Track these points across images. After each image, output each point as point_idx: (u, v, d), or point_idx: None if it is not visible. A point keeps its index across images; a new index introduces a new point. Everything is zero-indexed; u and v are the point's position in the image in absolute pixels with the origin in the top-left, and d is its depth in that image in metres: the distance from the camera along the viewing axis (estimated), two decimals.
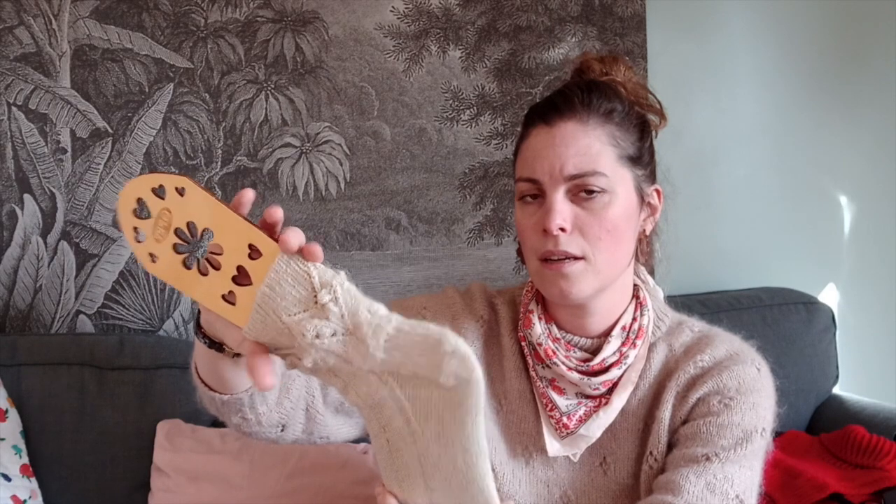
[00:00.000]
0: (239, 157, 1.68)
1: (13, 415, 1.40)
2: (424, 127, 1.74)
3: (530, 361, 0.90)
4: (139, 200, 0.59)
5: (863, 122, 1.97)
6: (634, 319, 0.90)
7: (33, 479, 1.40)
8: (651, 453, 0.86)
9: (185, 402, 1.47)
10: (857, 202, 2.00)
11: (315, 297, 0.57)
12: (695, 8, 1.88)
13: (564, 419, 0.87)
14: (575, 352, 0.88)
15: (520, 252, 0.96)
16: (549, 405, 0.88)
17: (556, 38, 1.80)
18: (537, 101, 0.93)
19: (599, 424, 0.86)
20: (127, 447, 1.43)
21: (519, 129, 0.93)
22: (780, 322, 1.72)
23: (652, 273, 1.01)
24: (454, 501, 0.61)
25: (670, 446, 0.86)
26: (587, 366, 0.86)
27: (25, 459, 1.39)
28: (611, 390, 0.87)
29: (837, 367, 1.78)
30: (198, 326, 0.68)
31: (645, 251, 0.93)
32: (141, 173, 1.65)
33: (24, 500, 1.35)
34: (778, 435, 1.60)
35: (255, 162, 1.69)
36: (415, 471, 0.62)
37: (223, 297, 0.59)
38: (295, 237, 0.56)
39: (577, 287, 0.83)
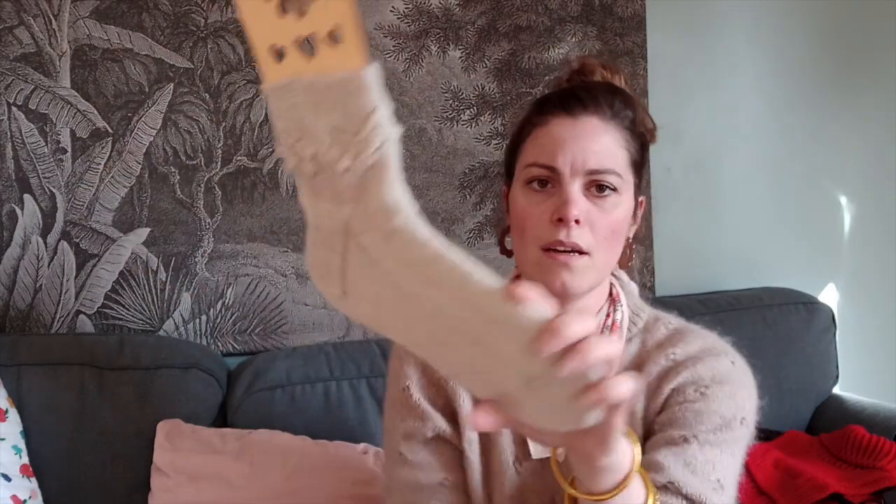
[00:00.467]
0: (239, 157, 1.68)
1: (13, 415, 1.40)
2: (424, 127, 1.74)
3: None
4: None
5: (863, 123, 1.98)
6: (608, 316, 0.89)
7: (33, 479, 1.40)
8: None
9: (185, 402, 1.47)
10: (857, 202, 2.00)
11: (361, 127, 0.53)
12: (695, 8, 1.88)
13: None
14: None
15: (501, 241, 0.96)
16: None
17: (556, 38, 1.80)
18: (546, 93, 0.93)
19: None
20: (127, 447, 1.43)
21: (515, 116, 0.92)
22: (780, 322, 1.72)
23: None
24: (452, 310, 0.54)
25: (647, 436, 0.86)
26: None
27: (25, 459, 1.39)
28: None
29: (837, 367, 1.78)
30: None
31: (627, 257, 0.91)
32: (141, 173, 1.65)
33: (24, 500, 1.35)
34: (778, 435, 1.61)
35: (255, 162, 1.69)
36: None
37: (271, 46, 0.54)
38: None
39: (579, 282, 0.82)
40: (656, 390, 0.86)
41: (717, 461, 0.80)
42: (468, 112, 1.76)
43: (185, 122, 1.66)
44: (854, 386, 1.85)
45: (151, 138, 1.65)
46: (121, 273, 1.65)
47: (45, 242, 1.62)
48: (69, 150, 1.63)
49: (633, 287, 0.95)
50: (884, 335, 1.99)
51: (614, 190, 0.83)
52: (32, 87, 1.61)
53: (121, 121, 1.64)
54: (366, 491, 1.35)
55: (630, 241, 0.91)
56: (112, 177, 1.64)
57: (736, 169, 1.93)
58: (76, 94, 1.62)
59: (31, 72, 1.60)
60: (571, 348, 0.50)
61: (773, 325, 1.71)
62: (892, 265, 1.99)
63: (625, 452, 0.63)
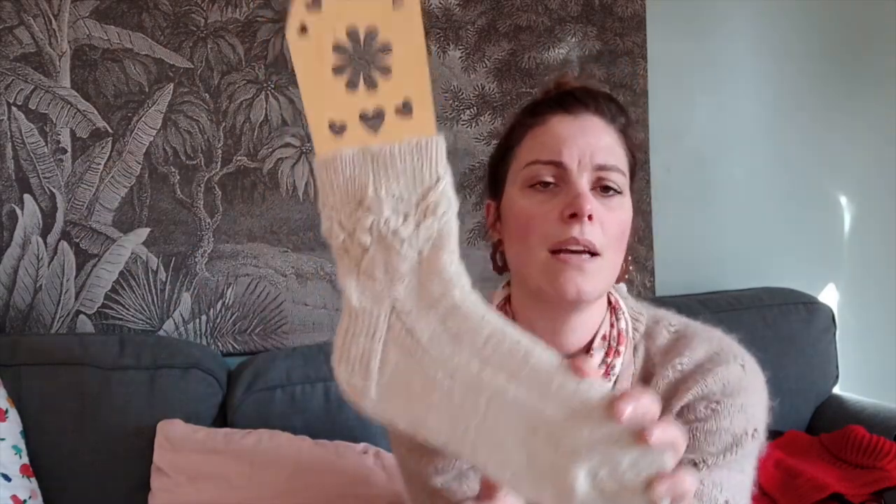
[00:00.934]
0: (239, 157, 1.68)
1: (13, 415, 1.40)
2: None
3: None
4: None
5: (863, 122, 1.97)
6: (612, 326, 0.84)
7: (33, 479, 1.40)
8: None
9: (185, 402, 1.47)
10: (857, 202, 2.00)
11: (425, 195, 0.51)
12: (695, 8, 1.88)
13: None
14: None
15: (493, 257, 0.89)
16: None
17: (556, 38, 1.80)
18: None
19: None
20: (127, 447, 1.43)
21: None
22: (780, 322, 1.72)
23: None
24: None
25: None
26: None
27: (25, 459, 1.39)
28: None
29: (837, 367, 1.78)
30: None
31: (624, 269, 0.87)
32: (141, 173, 1.65)
33: (24, 500, 1.35)
34: (778, 435, 1.61)
35: (255, 162, 1.69)
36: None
37: (331, 122, 0.52)
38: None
39: (592, 284, 0.77)
40: (665, 407, 0.80)
41: (726, 481, 0.76)
42: (468, 112, 1.76)
43: (185, 122, 1.66)
44: (854, 386, 1.85)
45: (151, 138, 1.65)
46: (121, 273, 1.65)
47: (45, 242, 1.62)
48: (69, 150, 1.63)
49: (622, 288, 0.91)
50: (884, 335, 1.99)
51: (619, 192, 0.80)
52: (32, 87, 1.61)
53: (121, 121, 1.64)
54: (366, 491, 1.35)
55: (625, 253, 0.86)
56: (112, 177, 1.64)
57: (736, 169, 1.93)
58: (76, 94, 1.62)
59: (31, 72, 1.60)
60: (649, 424, 0.48)
61: (773, 325, 1.71)
62: (892, 265, 1.99)
63: None
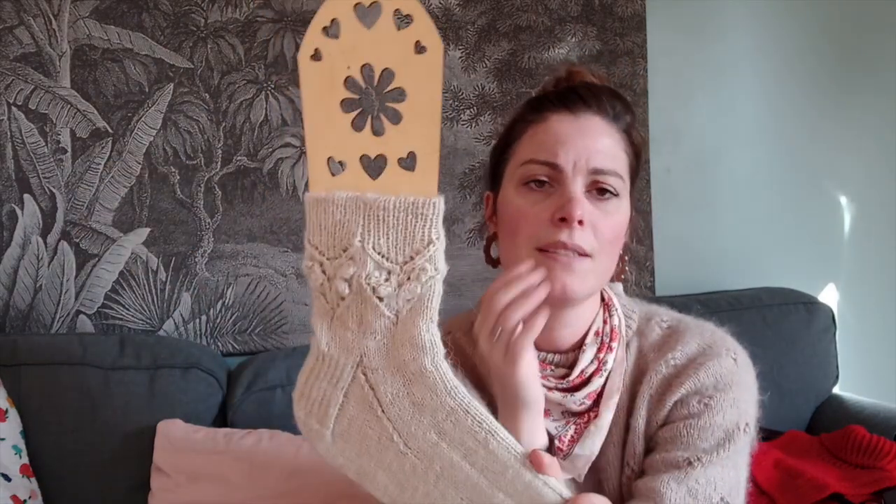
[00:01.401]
0: (239, 157, 1.68)
1: (13, 415, 1.40)
2: None
3: None
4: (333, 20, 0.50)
5: (863, 123, 1.97)
6: (605, 322, 0.85)
7: (33, 479, 1.40)
8: (628, 463, 0.82)
9: (185, 402, 1.47)
10: (857, 202, 2.00)
11: (413, 257, 0.50)
12: (695, 8, 1.88)
13: (556, 442, 0.80)
14: (551, 370, 0.83)
15: (486, 251, 0.90)
16: None
17: (556, 38, 1.80)
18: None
19: (594, 440, 0.81)
20: (127, 447, 1.43)
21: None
22: (780, 322, 1.72)
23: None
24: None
25: (648, 450, 0.82)
26: (567, 382, 0.81)
27: (25, 459, 1.40)
28: (597, 402, 0.82)
29: (837, 367, 1.78)
30: None
31: (620, 269, 0.87)
32: (141, 173, 1.65)
33: (24, 500, 1.35)
34: (778, 435, 1.61)
35: (255, 162, 1.69)
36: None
37: (330, 158, 0.50)
38: None
39: (581, 285, 0.77)
40: (659, 402, 0.82)
41: (720, 478, 0.77)
42: (468, 112, 1.76)
43: (185, 122, 1.66)
44: (854, 386, 1.85)
45: (151, 138, 1.65)
46: (121, 273, 1.65)
47: (45, 242, 1.62)
48: (69, 150, 1.63)
49: (617, 285, 0.90)
50: (884, 335, 1.99)
51: (616, 195, 0.79)
52: (32, 87, 1.61)
53: (121, 121, 1.64)
54: (365, 491, 1.35)
55: (622, 253, 0.86)
56: (112, 177, 1.64)
57: (736, 169, 1.93)
58: (76, 94, 1.62)
59: (31, 72, 1.60)
60: None
61: (773, 325, 1.71)
62: (892, 265, 1.98)
63: None
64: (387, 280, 0.51)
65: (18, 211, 1.62)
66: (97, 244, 1.64)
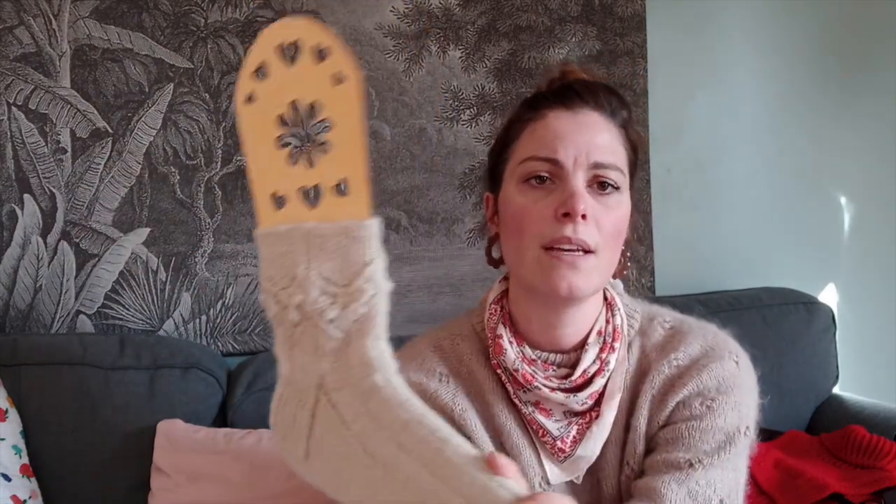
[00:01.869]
0: (239, 157, 1.68)
1: (13, 415, 1.40)
2: (424, 127, 1.74)
3: (510, 389, 0.83)
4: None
5: (863, 122, 1.97)
6: (608, 322, 0.84)
7: (33, 479, 1.40)
8: (628, 463, 0.82)
9: (185, 402, 1.47)
10: (857, 202, 2.00)
11: (353, 279, 0.52)
12: (695, 8, 1.88)
13: (558, 443, 0.81)
14: (553, 370, 0.83)
15: (488, 251, 0.90)
16: (540, 431, 0.82)
17: (556, 38, 1.80)
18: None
19: (596, 441, 0.81)
20: (127, 447, 1.43)
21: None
22: (780, 322, 1.72)
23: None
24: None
25: (649, 451, 0.82)
26: (569, 382, 0.81)
27: (25, 459, 1.40)
28: (598, 402, 0.82)
29: (837, 367, 1.78)
30: None
31: (622, 265, 0.87)
32: (141, 173, 1.65)
33: (24, 500, 1.35)
34: (778, 435, 1.61)
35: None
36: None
37: (273, 193, 0.53)
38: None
39: (586, 282, 0.77)
40: (661, 403, 0.82)
41: (720, 480, 0.77)
42: (468, 112, 1.76)
43: (185, 122, 1.66)
44: (854, 386, 1.85)
45: (151, 138, 1.65)
46: (121, 273, 1.65)
47: (45, 242, 1.62)
48: (69, 150, 1.63)
49: (619, 284, 0.90)
50: (884, 335, 1.99)
51: (617, 188, 0.79)
52: (32, 87, 1.61)
53: (121, 121, 1.64)
54: None
55: (624, 248, 0.86)
56: (112, 177, 1.64)
57: (736, 169, 1.93)
58: (76, 94, 1.62)
59: (31, 72, 1.60)
60: None
61: (773, 325, 1.71)
62: (892, 265, 1.98)
63: None
64: (332, 304, 0.53)
65: (18, 211, 1.62)
66: (97, 244, 1.64)
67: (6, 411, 1.39)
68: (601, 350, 0.83)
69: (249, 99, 0.54)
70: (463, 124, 1.76)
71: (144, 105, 1.65)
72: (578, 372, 0.81)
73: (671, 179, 1.88)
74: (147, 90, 1.65)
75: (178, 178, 1.66)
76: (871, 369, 1.95)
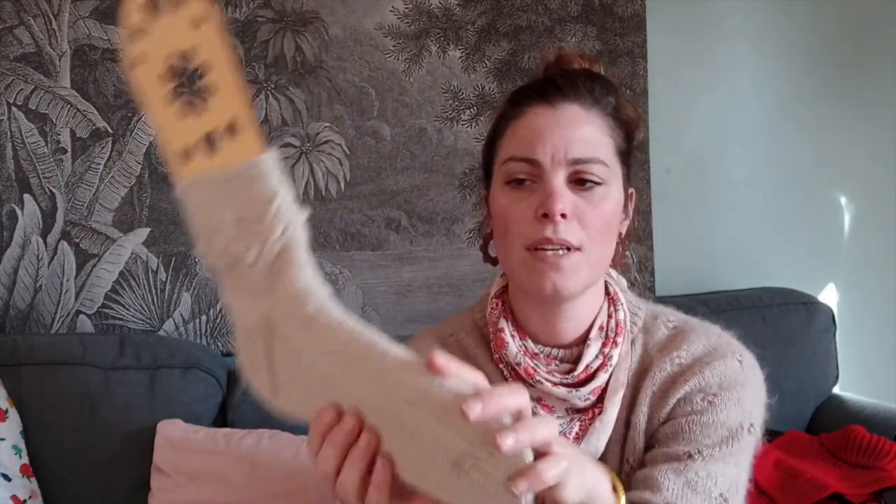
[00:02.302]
0: None
1: (13, 415, 1.40)
2: (424, 127, 1.74)
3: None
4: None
5: (863, 122, 1.97)
6: (610, 317, 0.84)
7: (33, 479, 1.40)
8: (627, 460, 0.81)
9: (185, 402, 1.47)
10: (857, 202, 2.00)
11: (262, 217, 0.53)
12: (695, 8, 1.88)
13: None
14: (556, 364, 0.83)
15: (484, 249, 0.89)
16: None
17: (556, 38, 1.80)
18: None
19: (599, 437, 0.80)
20: (127, 447, 1.43)
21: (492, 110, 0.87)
22: (780, 322, 1.72)
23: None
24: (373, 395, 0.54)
25: (649, 447, 0.81)
26: (572, 377, 0.81)
27: (25, 459, 1.40)
28: (601, 398, 0.81)
29: (837, 367, 1.78)
30: None
31: (621, 255, 0.86)
32: (141, 173, 1.65)
33: (24, 500, 1.35)
34: (778, 435, 1.61)
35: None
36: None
37: (179, 150, 0.55)
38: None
39: (572, 281, 0.77)
40: (661, 399, 0.81)
41: (721, 474, 0.76)
42: (468, 112, 1.76)
43: None
44: (854, 386, 1.85)
45: (151, 138, 1.65)
46: (121, 273, 1.65)
47: (45, 242, 1.62)
48: (69, 150, 1.63)
49: (623, 282, 0.89)
50: (884, 335, 1.99)
51: (599, 183, 0.77)
52: (32, 87, 1.61)
53: (121, 121, 1.64)
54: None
55: (623, 237, 0.85)
56: (112, 177, 1.64)
57: (736, 169, 1.93)
58: (76, 94, 1.62)
59: (31, 72, 1.60)
60: (508, 428, 0.49)
61: (773, 325, 1.71)
62: (892, 265, 1.98)
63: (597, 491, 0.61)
64: (249, 245, 0.54)
65: (18, 211, 1.62)
66: (97, 244, 1.64)
67: (6, 411, 1.39)
68: (603, 345, 0.82)
69: (133, 63, 0.54)
70: (463, 124, 1.76)
71: None
72: (581, 367, 0.81)
73: (671, 179, 1.88)
74: None
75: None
76: (871, 369, 1.95)
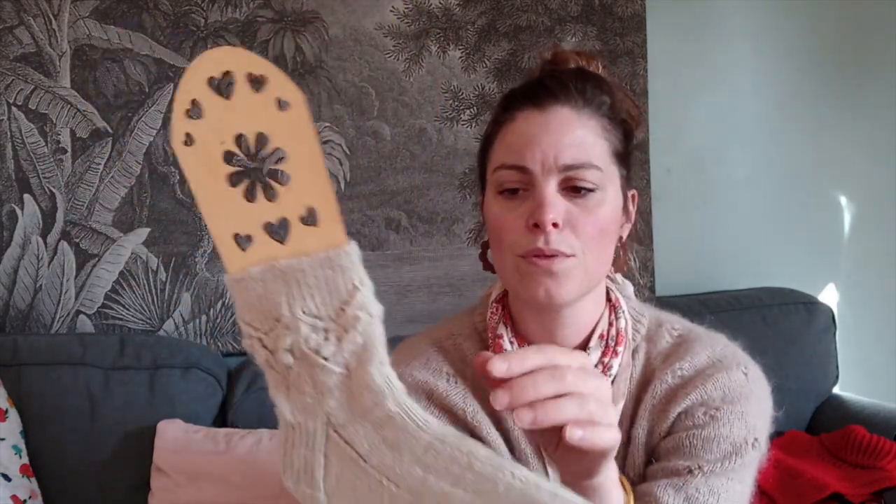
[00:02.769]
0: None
1: (13, 415, 1.40)
2: (424, 127, 1.74)
3: None
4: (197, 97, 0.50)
5: (863, 122, 1.98)
6: (611, 325, 0.81)
7: (33, 479, 1.40)
8: (627, 475, 0.79)
9: (185, 402, 1.47)
10: (857, 202, 2.00)
11: (343, 309, 0.50)
12: (695, 8, 1.89)
13: None
14: None
15: (483, 256, 0.87)
16: None
17: (556, 38, 1.80)
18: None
19: None
20: (127, 447, 1.43)
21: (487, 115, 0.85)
22: (780, 322, 1.72)
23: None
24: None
25: (650, 462, 0.79)
26: None
27: (25, 459, 1.40)
28: None
29: (837, 367, 1.78)
30: None
31: (621, 259, 0.83)
32: (141, 173, 1.65)
33: (24, 500, 1.35)
34: (778, 435, 1.61)
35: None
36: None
37: (236, 234, 0.51)
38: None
39: (566, 287, 0.74)
40: (662, 413, 0.78)
41: (723, 490, 0.73)
42: (468, 112, 1.76)
43: None
44: (854, 386, 1.85)
45: (151, 138, 1.65)
46: (121, 273, 1.65)
47: (45, 242, 1.62)
48: (69, 150, 1.63)
49: (629, 288, 0.86)
50: (884, 335, 1.99)
51: (592, 190, 0.74)
52: (32, 87, 1.61)
53: (121, 121, 1.64)
54: None
55: (624, 241, 0.82)
56: (112, 177, 1.64)
57: (736, 169, 1.93)
58: (76, 94, 1.62)
59: (31, 72, 1.60)
60: None
61: (773, 325, 1.71)
62: (892, 265, 1.99)
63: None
64: (326, 339, 0.51)
65: (18, 211, 1.62)
66: (97, 244, 1.64)
67: (6, 411, 1.39)
68: (603, 354, 0.80)
69: (187, 141, 0.51)
70: (463, 124, 1.76)
71: (144, 105, 1.65)
72: None
73: (671, 179, 1.88)
74: (147, 90, 1.65)
75: (178, 178, 1.66)
76: (871, 369, 1.95)
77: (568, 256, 0.73)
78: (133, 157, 1.65)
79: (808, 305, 1.76)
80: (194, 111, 0.50)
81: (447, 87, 1.75)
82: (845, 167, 1.99)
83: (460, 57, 1.76)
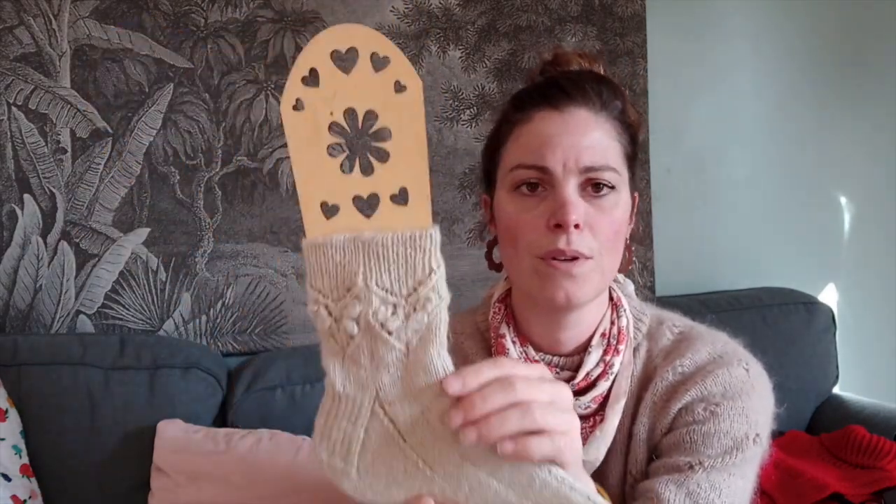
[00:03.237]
0: (239, 157, 1.68)
1: (13, 415, 1.40)
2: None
3: None
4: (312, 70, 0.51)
5: (863, 122, 1.98)
6: (612, 323, 0.81)
7: (33, 479, 1.40)
8: (630, 472, 0.80)
9: (185, 402, 1.47)
10: (857, 202, 2.01)
11: (416, 288, 0.52)
12: (695, 8, 1.89)
13: None
14: (557, 372, 0.80)
15: (488, 256, 0.87)
16: None
17: (556, 38, 1.80)
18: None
19: (599, 445, 0.78)
20: (127, 447, 1.43)
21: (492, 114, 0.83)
22: (780, 322, 1.72)
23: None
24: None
25: (652, 458, 0.79)
26: (573, 385, 0.78)
27: (25, 459, 1.40)
28: (602, 406, 0.79)
29: (837, 367, 1.78)
30: None
31: (627, 260, 0.84)
32: (141, 173, 1.65)
33: (24, 500, 1.35)
34: (778, 435, 1.61)
35: (255, 162, 1.69)
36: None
37: (324, 202, 0.52)
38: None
39: (584, 290, 0.74)
40: (663, 409, 0.79)
41: (725, 486, 0.73)
42: (468, 112, 1.76)
43: (185, 122, 1.66)
44: (854, 386, 1.86)
45: (151, 138, 1.65)
46: (121, 273, 1.65)
47: (45, 242, 1.62)
48: (69, 150, 1.63)
49: (630, 286, 0.87)
50: (884, 335, 1.99)
51: (612, 188, 0.75)
52: (32, 87, 1.61)
53: (121, 121, 1.64)
54: None
55: (628, 242, 0.82)
56: (112, 177, 1.64)
57: (736, 169, 1.93)
58: (76, 94, 1.62)
59: (31, 72, 1.60)
60: None
61: (773, 325, 1.71)
62: (892, 265, 1.99)
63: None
64: (394, 314, 0.52)
65: (18, 211, 1.62)
66: (97, 244, 1.64)
67: (6, 411, 1.39)
68: (605, 353, 0.80)
69: (297, 106, 0.52)
70: (463, 124, 1.76)
71: (144, 105, 1.65)
72: (581, 375, 0.79)
73: (671, 179, 1.88)
74: (147, 90, 1.65)
75: (178, 178, 1.66)
76: (871, 369, 1.95)
77: (587, 259, 0.74)
78: (133, 157, 1.65)
79: (808, 305, 1.76)
80: (311, 79, 0.52)
81: (447, 87, 1.75)
82: (845, 167, 1.99)
83: (460, 57, 1.76)
